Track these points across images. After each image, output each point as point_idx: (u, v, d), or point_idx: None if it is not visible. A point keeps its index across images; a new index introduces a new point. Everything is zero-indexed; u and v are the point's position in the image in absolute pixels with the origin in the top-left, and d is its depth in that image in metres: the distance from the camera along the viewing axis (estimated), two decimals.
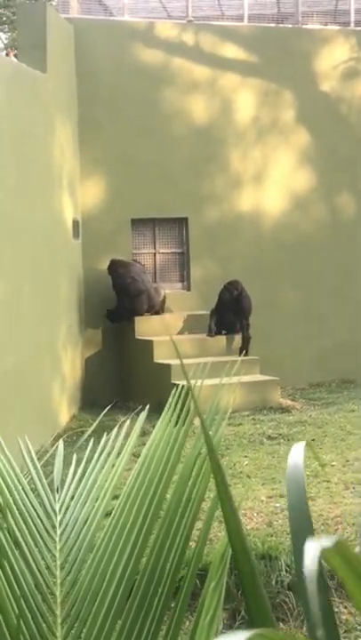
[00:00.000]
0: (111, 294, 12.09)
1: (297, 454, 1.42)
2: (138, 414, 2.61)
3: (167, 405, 2.28)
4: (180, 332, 12.09)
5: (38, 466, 2.62)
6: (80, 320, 11.97)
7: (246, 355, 11.48)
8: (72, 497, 2.47)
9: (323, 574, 1.36)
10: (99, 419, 3.00)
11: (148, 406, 2.83)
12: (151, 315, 12.13)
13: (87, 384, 12.08)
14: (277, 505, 6.77)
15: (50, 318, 10.29)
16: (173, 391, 2.28)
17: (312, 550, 0.99)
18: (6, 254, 8.50)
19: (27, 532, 2.29)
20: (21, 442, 2.73)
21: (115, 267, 12.01)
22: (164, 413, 2.27)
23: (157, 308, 12.23)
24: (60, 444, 2.82)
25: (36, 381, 9.53)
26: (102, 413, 3.12)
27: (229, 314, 11.92)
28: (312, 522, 1.43)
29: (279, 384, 11.24)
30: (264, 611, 1.32)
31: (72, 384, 11.28)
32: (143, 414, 2.53)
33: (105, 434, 2.59)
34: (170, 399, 2.29)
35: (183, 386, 2.06)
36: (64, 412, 10.66)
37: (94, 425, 2.72)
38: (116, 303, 12.07)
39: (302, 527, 1.40)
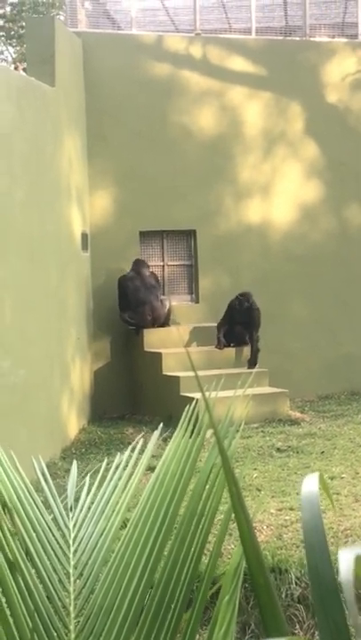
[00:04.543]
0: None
1: (312, 478, 1.42)
2: (148, 428, 2.61)
3: (181, 420, 2.28)
4: (188, 345, 12.07)
5: (51, 482, 2.62)
6: (89, 332, 11.98)
7: (254, 367, 11.48)
8: (87, 513, 2.47)
9: (337, 590, 1.36)
10: None
11: (161, 424, 2.82)
12: (156, 327, 12.11)
13: (96, 396, 12.08)
14: (287, 518, 6.75)
15: (59, 331, 10.31)
16: (188, 406, 2.28)
17: (347, 559, 1.00)
18: (15, 267, 8.52)
19: (40, 549, 2.29)
20: (34, 460, 2.73)
21: (123, 280, 12.04)
22: (178, 428, 2.27)
23: (163, 321, 12.19)
24: (74, 464, 2.82)
25: (45, 394, 9.54)
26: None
27: (238, 326, 11.89)
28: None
29: (288, 396, 11.21)
30: (279, 624, 1.32)
31: (81, 396, 11.28)
32: (156, 432, 2.52)
33: (117, 451, 2.59)
34: (184, 414, 2.29)
35: (197, 400, 2.07)
36: (73, 425, 10.66)
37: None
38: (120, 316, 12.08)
39: (316, 541, 1.40)
